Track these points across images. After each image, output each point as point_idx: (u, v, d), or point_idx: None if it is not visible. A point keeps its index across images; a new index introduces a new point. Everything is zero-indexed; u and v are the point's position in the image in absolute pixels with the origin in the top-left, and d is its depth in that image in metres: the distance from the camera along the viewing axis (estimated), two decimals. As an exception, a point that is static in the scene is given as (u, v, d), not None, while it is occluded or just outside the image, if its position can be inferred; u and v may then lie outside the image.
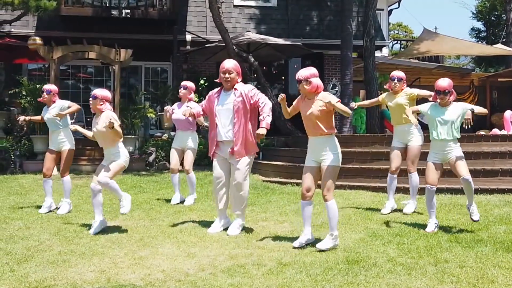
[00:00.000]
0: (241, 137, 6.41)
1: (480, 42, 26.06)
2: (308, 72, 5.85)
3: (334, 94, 17.74)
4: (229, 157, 6.54)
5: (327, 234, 5.83)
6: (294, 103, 6.11)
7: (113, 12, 15.62)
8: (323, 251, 5.60)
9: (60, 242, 6.16)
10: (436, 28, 29.73)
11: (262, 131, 6.27)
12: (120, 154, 6.85)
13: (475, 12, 26.47)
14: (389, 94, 7.97)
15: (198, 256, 5.56)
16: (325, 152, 5.83)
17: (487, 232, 6.41)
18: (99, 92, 6.85)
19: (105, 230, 6.74)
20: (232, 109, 6.42)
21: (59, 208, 8.05)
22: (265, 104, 6.39)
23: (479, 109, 6.64)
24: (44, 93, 8.21)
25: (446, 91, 6.45)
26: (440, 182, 8.83)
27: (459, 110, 6.49)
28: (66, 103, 8.26)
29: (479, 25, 27.01)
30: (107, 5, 15.77)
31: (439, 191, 8.78)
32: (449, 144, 6.53)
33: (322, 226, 6.85)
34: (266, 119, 6.32)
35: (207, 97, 6.77)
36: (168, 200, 8.91)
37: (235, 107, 6.41)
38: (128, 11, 15.68)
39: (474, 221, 6.57)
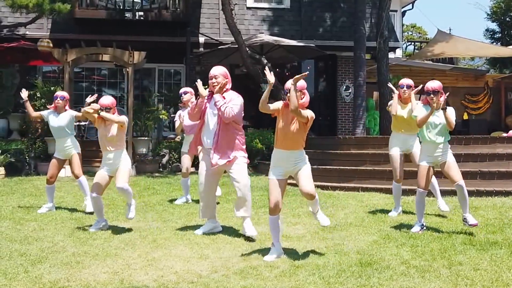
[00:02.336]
0: (230, 144, 6.42)
1: (494, 43, 25.80)
2: (303, 82, 5.60)
3: (347, 96, 17.79)
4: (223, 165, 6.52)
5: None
6: (277, 105, 5.70)
7: (126, 15, 15.68)
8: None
9: (74, 244, 6.19)
10: (450, 29, 29.56)
11: (203, 91, 6.44)
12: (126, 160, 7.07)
13: (489, 13, 26.22)
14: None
15: (211, 258, 5.56)
16: (298, 161, 5.65)
17: (502, 234, 6.36)
18: (108, 101, 6.90)
19: (119, 231, 6.78)
20: (217, 117, 6.43)
21: (85, 207, 8.22)
22: (230, 108, 6.32)
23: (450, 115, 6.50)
24: (58, 99, 8.34)
25: (436, 91, 6.46)
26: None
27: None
28: (74, 112, 8.46)
29: (493, 26, 26.69)
30: (121, 7, 15.82)
31: (453, 193, 8.71)
32: (440, 147, 6.55)
33: (335, 228, 6.83)
34: (221, 103, 6.32)
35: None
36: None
37: (219, 115, 6.41)
38: (142, 13, 15.73)
39: (471, 225, 6.45)
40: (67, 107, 8.43)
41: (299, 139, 5.60)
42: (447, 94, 6.59)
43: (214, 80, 6.45)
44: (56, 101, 8.35)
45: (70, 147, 8.32)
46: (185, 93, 8.78)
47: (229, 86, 6.57)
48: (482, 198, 8.59)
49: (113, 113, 6.90)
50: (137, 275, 5.00)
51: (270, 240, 6.27)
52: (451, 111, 6.51)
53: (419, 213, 6.73)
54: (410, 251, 5.73)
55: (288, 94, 5.44)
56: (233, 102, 6.42)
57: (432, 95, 6.46)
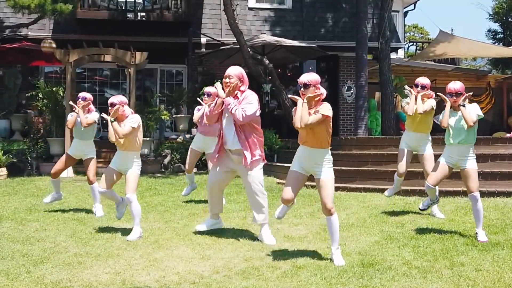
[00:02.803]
0: (247, 145, 6.25)
1: (496, 43, 25.75)
2: (314, 76, 5.51)
3: (349, 96, 17.79)
4: (238, 166, 6.37)
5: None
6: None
7: (128, 15, 15.70)
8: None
9: (76, 244, 6.20)
10: (452, 30, 29.44)
11: (222, 94, 6.23)
12: (138, 163, 6.97)
13: (491, 13, 26.19)
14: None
15: (212, 259, 5.56)
16: (319, 163, 5.50)
17: (504, 235, 6.35)
18: (115, 99, 6.82)
19: (120, 232, 6.78)
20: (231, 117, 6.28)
21: (95, 213, 8.12)
22: (244, 110, 6.13)
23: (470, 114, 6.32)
24: (80, 100, 8.10)
25: (459, 92, 6.34)
26: (456, 184, 8.81)
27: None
28: (96, 116, 8.26)
29: (495, 26, 26.64)
30: (123, 8, 15.84)
31: (456, 193, 8.73)
32: (461, 150, 6.38)
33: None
34: (234, 108, 6.14)
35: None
36: (184, 202, 8.94)
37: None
38: (144, 14, 15.76)
39: (480, 241, 6.11)
40: (91, 107, 8.24)
41: (319, 137, 5.42)
42: (470, 93, 6.46)
43: (227, 79, 6.27)
44: (78, 101, 8.15)
45: (89, 149, 8.28)
46: (209, 95, 8.40)
47: (243, 88, 6.33)
48: (484, 199, 8.54)
49: (123, 112, 6.86)
50: (139, 276, 5.00)
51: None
52: (471, 108, 6.30)
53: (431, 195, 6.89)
54: (412, 251, 5.73)
55: (302, 89, 5.39)
56: (246, 101, 6.20)
57: (454, 97, 6.33)
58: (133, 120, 6.83)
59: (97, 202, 8.12)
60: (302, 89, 5.42)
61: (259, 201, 6.37)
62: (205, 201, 8.91)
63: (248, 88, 6.43)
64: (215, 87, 6.54)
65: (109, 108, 6.78)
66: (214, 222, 6.79)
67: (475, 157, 6.47)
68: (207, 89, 8.57)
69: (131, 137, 6.79)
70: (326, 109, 5.36)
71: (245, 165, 6.26)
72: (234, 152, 6.35)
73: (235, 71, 6.33)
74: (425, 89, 7.44)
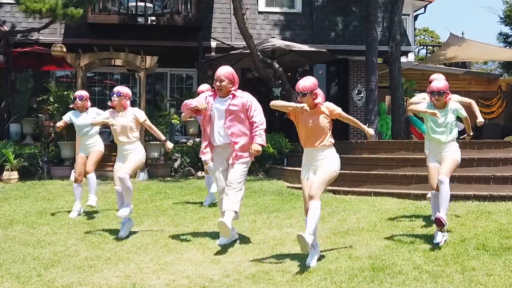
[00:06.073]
0: (240, 139, 6.22)
1: (508, 47, 25.62)
2: (311, 82, 5.59)
3: (359, 100, 17.76)
4: (228, 159, 6.31)
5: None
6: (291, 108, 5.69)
7: (139, 20, 15.77)
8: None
9: (87, 247, 6.22)
10: (463, 33, 29.32)
11: (257, 147, 6.14)
12: (138, 151, 7.11)
13: (502, 16, 26.09)
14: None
15: (222, 262, 5.56)
16: (321, 159, 5.61)
17: (515, 240, 6.30)
18: (123, 89, 7.13)
19: (131, 235, 6.80)
20: (225, 113, 6.24)
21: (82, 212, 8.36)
22: (261, 124, 6.21)
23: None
24: (77, 100, 8.53)
25: (442, 91, 6.33)
26: (467, 188, 8.76)
27: (453, 112, 6.45)
28: (97, 110, 8.68)
29: (507, 29, 26.50)
30: (133, 12, 15.91)
31: (467, 197, 8.67)
32: (447, 145, 6.45)
33: (347, 233, 6.81)
34: (262, 137, 6.20)
35: (202, 98, 6.48)
36: (194, 204, 8.95)
37: (228, 112, 6.23)
38: (154, 18, 15.82)
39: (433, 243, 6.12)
40: (88, 105, 8.62)
41: (320, 135, 5.56)
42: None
43: (219, 83, 6.26)
44: (76, 102, 8.55)
45: (92, 144, 8.51)
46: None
47: (234, 88, 6.33)
48: (495, 203, 8.52)
49: (126, 104, 7.14)
50: (149, 279, 5.01)
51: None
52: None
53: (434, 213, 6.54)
54: (423, 256, 5.70)
55: (300, 96, 5.55)
56: (255, 112, 6.23)
57: (437, 96, 6.35)
58: (141, 112, 7.25)
59: (91, 193, 8.26)
60: (300, 95, 5.57)
61: (233, 191, 6.17)
62: (215, 205, 8.94)
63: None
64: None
65: (113, 96, 7.05)
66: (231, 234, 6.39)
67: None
68: (200, 87, 8.84)
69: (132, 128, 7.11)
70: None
71: (235, 158, 6.22)
72: (223, 147, 6.30)
73: (225, 73, 6.30)
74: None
